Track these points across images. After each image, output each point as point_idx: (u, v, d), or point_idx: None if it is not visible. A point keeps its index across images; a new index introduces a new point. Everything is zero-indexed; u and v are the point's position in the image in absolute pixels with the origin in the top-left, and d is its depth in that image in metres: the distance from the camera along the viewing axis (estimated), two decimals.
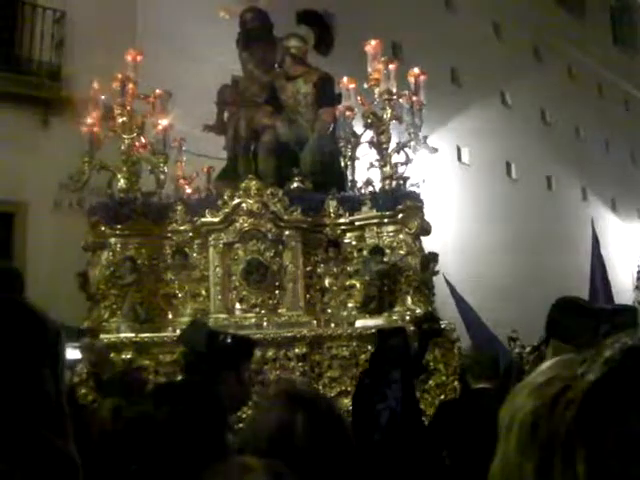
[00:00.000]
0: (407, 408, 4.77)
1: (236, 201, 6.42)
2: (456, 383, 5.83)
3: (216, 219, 6.41)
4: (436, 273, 6.73)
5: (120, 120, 6.68)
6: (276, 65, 7.96)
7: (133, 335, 6.06)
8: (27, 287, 3.33)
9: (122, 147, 6.70)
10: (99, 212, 6.63)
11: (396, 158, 6.82)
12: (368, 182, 6.98)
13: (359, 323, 6.29)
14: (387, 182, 6.72)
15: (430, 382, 5.90)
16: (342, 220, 6.66)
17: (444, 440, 4.59)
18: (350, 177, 7.36)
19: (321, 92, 7.50)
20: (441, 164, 13.61)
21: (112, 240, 6.50)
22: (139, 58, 6.99)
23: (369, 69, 6.99)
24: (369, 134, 7.05)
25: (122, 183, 6.65)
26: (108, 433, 3.68)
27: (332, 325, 6.37)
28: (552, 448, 0.69)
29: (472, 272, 13.39)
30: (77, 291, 6.62)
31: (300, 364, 5.95)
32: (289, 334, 6.03)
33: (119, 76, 6.75)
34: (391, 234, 6.54)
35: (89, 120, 6.68)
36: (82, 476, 1.38)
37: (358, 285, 6.44)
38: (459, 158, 16.46)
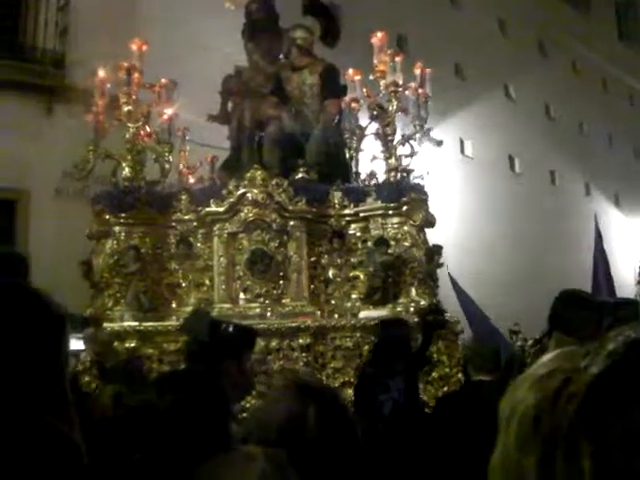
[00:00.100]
0: (409, 399, 4.77)
1: (241, 191, 6.41)
2: (460, 375, 5.83)
3: (221, 209, 6.40)
4: (440, 266, 6.73)
5: (125, 109, 6.66)
6: (281, 56, 7.93)
7: (137, 324, 6.06)
8: (29, 275, 3.31)
9: (127, 136, 6.68)
10: (103, 200, 6.62)
11: (400, 150, 6.81)
12: (372, 174, 6.98)
13: (363, 314, 6.29)
14: (392, 174, 6.71)
15: (433, 374, 5.90)
16: (347, 211, 6.66)
17: (444, 431, 4.59)
18: (354, 169, 7.35)
19: (327, 83, 7.48)
20: (444, 157, 13.61)
21: (116, 229, 6.50)
22: (144, 47, 6.97)
23: (375, 61, 6.97)
24: (374, 126, 7.03)
25: (127, 172, 6.64)
26: (109, 420, 3.69)
27: (336, 316, 6.37)
28: (554, 442, 0.69)
29: (474, 266, 13.38)
30: (80, 279, 6.61)
31: (304, 354, 5.95)
32: (293, 324, 6.03)
33: (125, 65, 6.73)
34: (396, 226, 6.54)
35: (94, 108, 6.66)
36: (86, 462, 1.38)
37: (362, 276, 6.44)
38: (462, 151, 16.44)
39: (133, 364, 5.80)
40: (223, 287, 6.35)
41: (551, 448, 0.69)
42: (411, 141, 6.80)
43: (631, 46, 23.77)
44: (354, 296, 6.47)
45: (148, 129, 6.91)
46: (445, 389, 5.83)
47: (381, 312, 6.17)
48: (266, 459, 1.53)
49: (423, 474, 4.40)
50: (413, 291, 6.35)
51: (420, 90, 6.84)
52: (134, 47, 6.90)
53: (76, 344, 5.72)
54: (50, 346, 1.40)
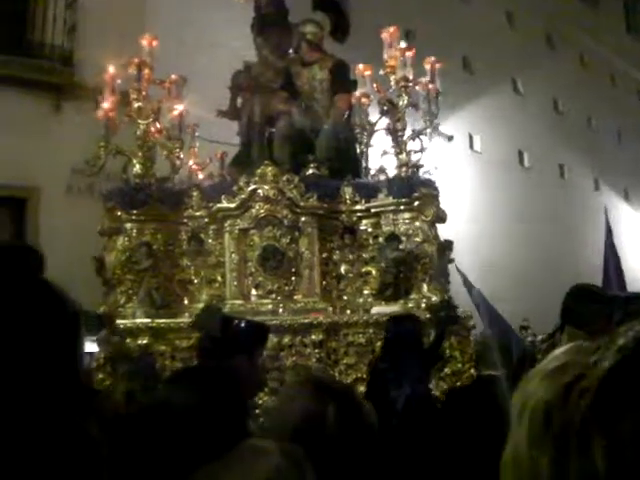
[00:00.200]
0: (421, 395, 4.76)
1: (252, 187, 6.39)
2: (472, 371, 5.82)
3: (232, 205, 6.39)
4: (451, 261, 6.72)
5: (136, 105, 6.65)
6: (291, 51, 7.91)
7: (149, 320, 6.05)
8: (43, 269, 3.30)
9: (137, 132, 6.67)
10: (115, 197, 6.61)
11: (410, 145, 6.78)
12: (381, 170, 6.96)
13: (375, 310, 6.27)
14: (402, 169, 6.69)
15: (446, 369, 5.89)
16: (358, 207, 6.64)
17: (454, 427, 4.59)
18: (364, 164, 7.34)
19: (337, 79, 7.45)
20: (453, 152, 13.57)
21: (128, 225, 6.49)
22: (154, 43, 6.95)
23: (385, 56, 6.94)
24: (384, 121, 7.01)
25: (137, 168, 6.62)
26: (122, 417, 3.69)
27: (348, 312, 6.36)
28: (566, 437, 0.69)
29: (484, 260, 13.36)
30: (92, 276, 6.61)
31: (316, 351, 5.94)
32: (305, 320, 6.02)
33: (135, 60, 6.71)
34: (407, 221, 6.52)
35: (105, 105, 6.65)
36: (105, 458, 1.38)
37: (374, 272, 6.43)
38: (471, 146, 16.41)
39: (144, 361, 5.82)
40: (235, 283, 6.34)
41: (563, 443, 0.69)
42: (421, 136, 6.78)
43: (639, 39, 23.65)
44: (366, 292, 6.45)
45: (158, 125, 6.90)
46: (458, 385, 5.82)
47: (393, 308, 6.15)
48: (282, 455, 1.52)
49: (435, 469, 4.40)
50: (425, 287, 6.33)
51: (430, 85, 6.82)
52: (144, 43, 6.88)
53: (90, 346, 5.74)
54: (66, 343, 1.39)
